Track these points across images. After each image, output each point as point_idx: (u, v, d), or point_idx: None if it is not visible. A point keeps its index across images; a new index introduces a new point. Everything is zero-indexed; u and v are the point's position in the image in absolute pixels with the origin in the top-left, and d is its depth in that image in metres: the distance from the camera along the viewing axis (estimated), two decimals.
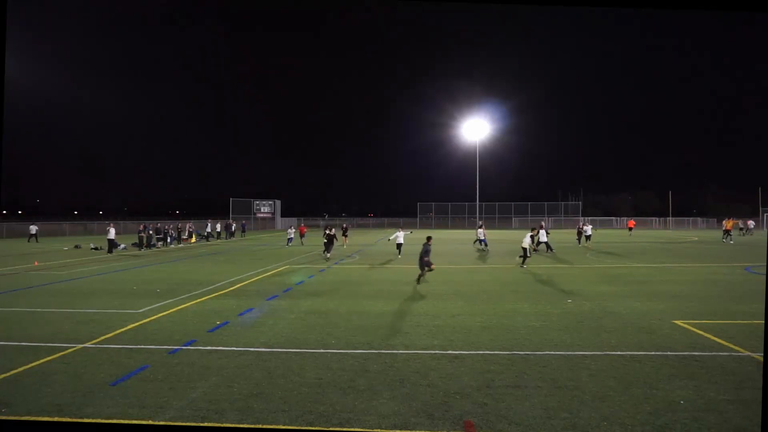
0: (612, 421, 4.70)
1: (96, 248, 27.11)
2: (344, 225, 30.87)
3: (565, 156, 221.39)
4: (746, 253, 24.04)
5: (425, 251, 13.89)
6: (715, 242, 32.40)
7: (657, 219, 69.40)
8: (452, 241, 34.05)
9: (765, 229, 52.61)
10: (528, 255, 18.22)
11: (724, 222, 34.06)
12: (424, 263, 13.78)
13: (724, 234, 32.81)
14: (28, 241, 34.26)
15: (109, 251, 25.05)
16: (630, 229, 44.84)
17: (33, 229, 35.78)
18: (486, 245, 27.28)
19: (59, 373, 6.19)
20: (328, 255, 21.40)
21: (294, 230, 31.42)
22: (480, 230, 28.03)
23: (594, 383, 5.75)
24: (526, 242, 18.33)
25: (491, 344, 7.48)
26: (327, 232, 22.19)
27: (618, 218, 73.05)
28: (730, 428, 4.58)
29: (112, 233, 25.51)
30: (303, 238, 31.31)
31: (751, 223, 34.93)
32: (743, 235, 35.40)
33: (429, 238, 14.57)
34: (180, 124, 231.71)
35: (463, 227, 60.40)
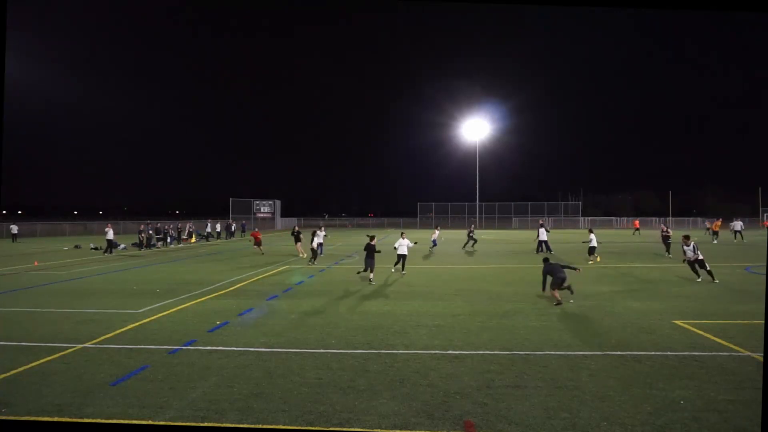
0: (612, 421, 4.70)
1: (96, 248, 27.11)
2: (295, 228, 23.11)
3: (565, 156, 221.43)
4: (746, 253, 24.03)
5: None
6: (718, 243, 32.41)
7: (657, 219, 69.38)
8: (452, 242, 34.05)
9: (765, 228, 52.59)
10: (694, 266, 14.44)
11: (715, 223, 34.38)
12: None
13: (713, 235, 33.11)
14: (13, 242, 34.36)
15: (109, 251, 24.91)
16: (636, 229, 44.91)
17: (14, 229, 35.91)
18: (435, 245, 25.67)
19: (59, 373, 6.19)
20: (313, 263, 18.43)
21: (323, 233, 22.07)
22: (437, 231, 26.97)
23: (594, 383, 5.75)
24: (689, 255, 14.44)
25: (491, 344, 7.48)
26: (316, 239, 19.22)
27: (618, 218, 73.01)
28: (730, 428, 4.58)
29: (110, 233, 25.31)
30: (258, 244, 24.29)
31: (739, 224, 33.94)
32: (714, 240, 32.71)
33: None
34: (180, 124, 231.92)
35: (463, 227, 60.39)
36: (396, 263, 16.41)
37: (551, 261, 11.67)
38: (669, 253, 21.33)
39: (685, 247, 14.50)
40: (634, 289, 12.79)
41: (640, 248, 27.62)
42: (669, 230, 22.81)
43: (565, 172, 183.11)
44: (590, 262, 19.17)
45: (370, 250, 14.60)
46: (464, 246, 28.11)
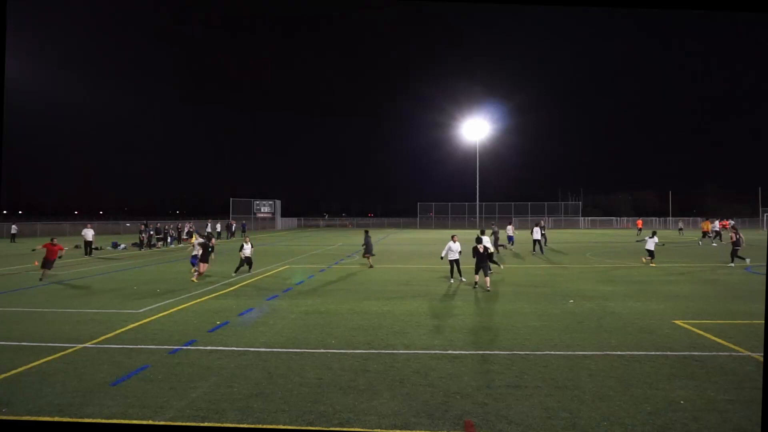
0: (612, 421, 4.71)
1: (96, 248, 27.07)
2: (212, 238, 17.37)
3: (565, 156, 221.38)
4: (746, 253, 24.01)
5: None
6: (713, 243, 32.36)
7: (657, 219, 69.43)
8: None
9: (765, 229, 52.69)
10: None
11: (702, 225, 33.88)
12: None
13: (703, 236, 32.54)
14: (11, 242, 34.52)
15: (87, 253, 23.61)
16: (639, 229, 45.00)
17: (14, 228, 36.29)
18: (512, 243, 25.40)
19: (59, 373, 6.19)
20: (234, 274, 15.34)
21: (198, 245, 15.53)
22: (510, 227, 26.31)
23: (594, 383, 5.75)
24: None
25: (491, 344, 7.49)
26: (245, 246, 15.82)
27: (618, 218, 73.02)
28: (730, 428, 4.59)
29: (89, 234, 23.88)
30: (48, 266, 15.29)
31: (716, 224, 33.74)
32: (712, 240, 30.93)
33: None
34: (180, 123, 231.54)
35: (463, 227, 60.38)
36: (452, 273, 14.49)
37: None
38: (733, 262, 17.80)
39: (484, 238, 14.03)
40: (634, 289, 12.79)
41: (639, 248, 27.61)
42: (738, 234, 18.18)
43: (565, 172, 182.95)
44: (651, 264, 17.94)
45: (480, 256, 12.86)
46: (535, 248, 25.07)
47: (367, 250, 18.48)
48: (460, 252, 14.29)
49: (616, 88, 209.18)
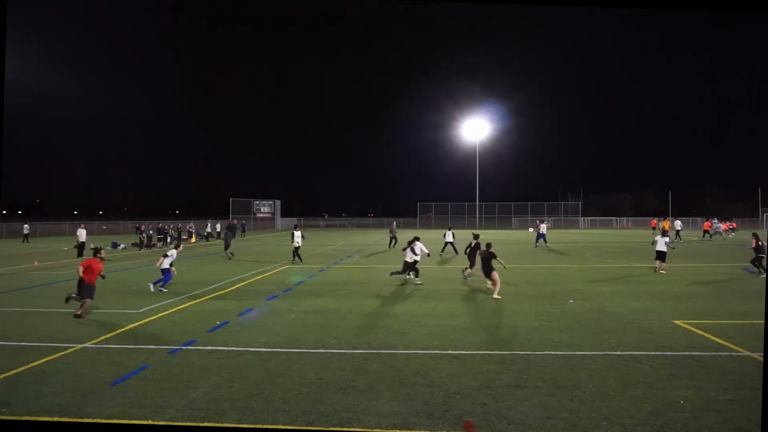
0: (612, 421, 4.71)
1: (96, 248, 27.00)
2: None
3: (565, 156, 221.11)
4: (746, 253, 24.02)
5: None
6: (714, 242, 32.39)
7: (657, 219, 69.39)
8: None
9: (765, 229, 52.73)
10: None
11: (662, 224, 33.79)
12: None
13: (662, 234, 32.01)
14: (23, 242, 34.61)
15: (80, 255, 22.84)
16: (653, 228, 45.07)
17: (26, 228, 36.56)
18: (541, 240, 27.89)
19: (59, 373, 6.19)
20: None
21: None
22: (543, 225, 28.61)
23: (594, 383, 5.75)
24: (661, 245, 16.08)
25: (491, 344, 7.49)
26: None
27: (618, 218, 73.03)
28: (730, 428, 4.59)
29: (83, 235, 23.35)
30: (89, 294, 9.79)
31: (678, 223, 33.92)
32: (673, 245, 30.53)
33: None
34: (180, 123, 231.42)
35: (463, 227, 60.30)
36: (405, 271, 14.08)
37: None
38: (760, 271, 15.25)
39: (414, 247, 13.91)
40: (634, 289, 12.79)
41: (639, 248, 27.64)
42: (762, 241, 15.73)
43: (565, 172, 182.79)
44: (661, 271, 15.97)
45: (473, 251, 14.56)
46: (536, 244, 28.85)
47: (225, 246, 21.97)
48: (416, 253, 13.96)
49: (616, 87, 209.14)
